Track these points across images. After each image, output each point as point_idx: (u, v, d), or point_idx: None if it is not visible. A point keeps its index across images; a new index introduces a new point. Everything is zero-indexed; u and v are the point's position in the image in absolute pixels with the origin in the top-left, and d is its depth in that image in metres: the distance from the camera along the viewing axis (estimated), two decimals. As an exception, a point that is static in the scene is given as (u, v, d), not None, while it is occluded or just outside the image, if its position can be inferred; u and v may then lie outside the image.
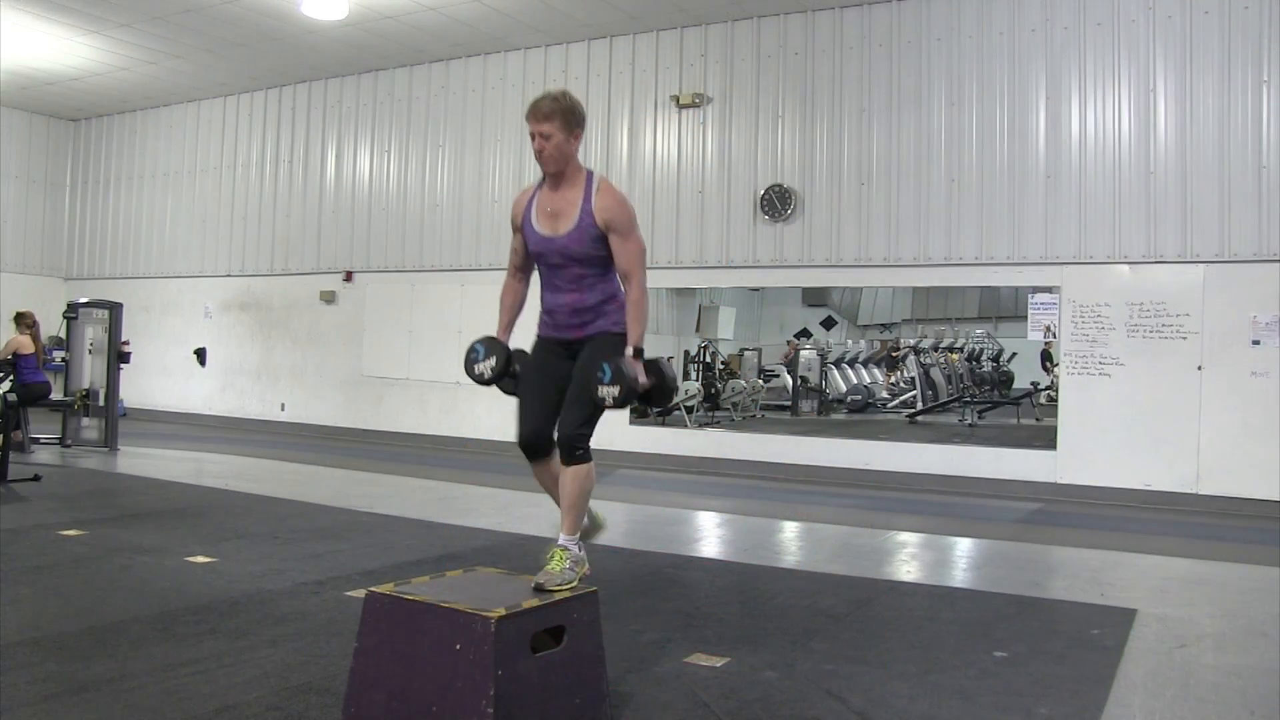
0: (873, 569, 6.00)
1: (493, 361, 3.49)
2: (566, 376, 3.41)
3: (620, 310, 3.41)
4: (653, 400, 3.37)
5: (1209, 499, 8.64)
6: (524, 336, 3.69)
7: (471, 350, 3.54)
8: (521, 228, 3.48)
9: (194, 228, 15.37)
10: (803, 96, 10.67)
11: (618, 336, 3.37)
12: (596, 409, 3.34)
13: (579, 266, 3.37)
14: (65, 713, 3.14)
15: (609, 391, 3.21)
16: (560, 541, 3.31)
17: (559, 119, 3.35)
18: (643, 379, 3.27)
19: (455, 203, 12.80)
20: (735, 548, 6.78)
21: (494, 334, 3.60)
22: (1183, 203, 8.90)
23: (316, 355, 13.97)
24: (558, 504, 3.45)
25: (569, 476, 3.33)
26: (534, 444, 3.44)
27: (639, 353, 3.31)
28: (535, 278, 3.66)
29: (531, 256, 3.47)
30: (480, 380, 3.53)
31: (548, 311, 3.48)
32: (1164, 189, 8.98)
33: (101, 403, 10.87)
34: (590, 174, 3.43)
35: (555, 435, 3.38)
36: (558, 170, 3.38)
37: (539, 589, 3.12)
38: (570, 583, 3.17)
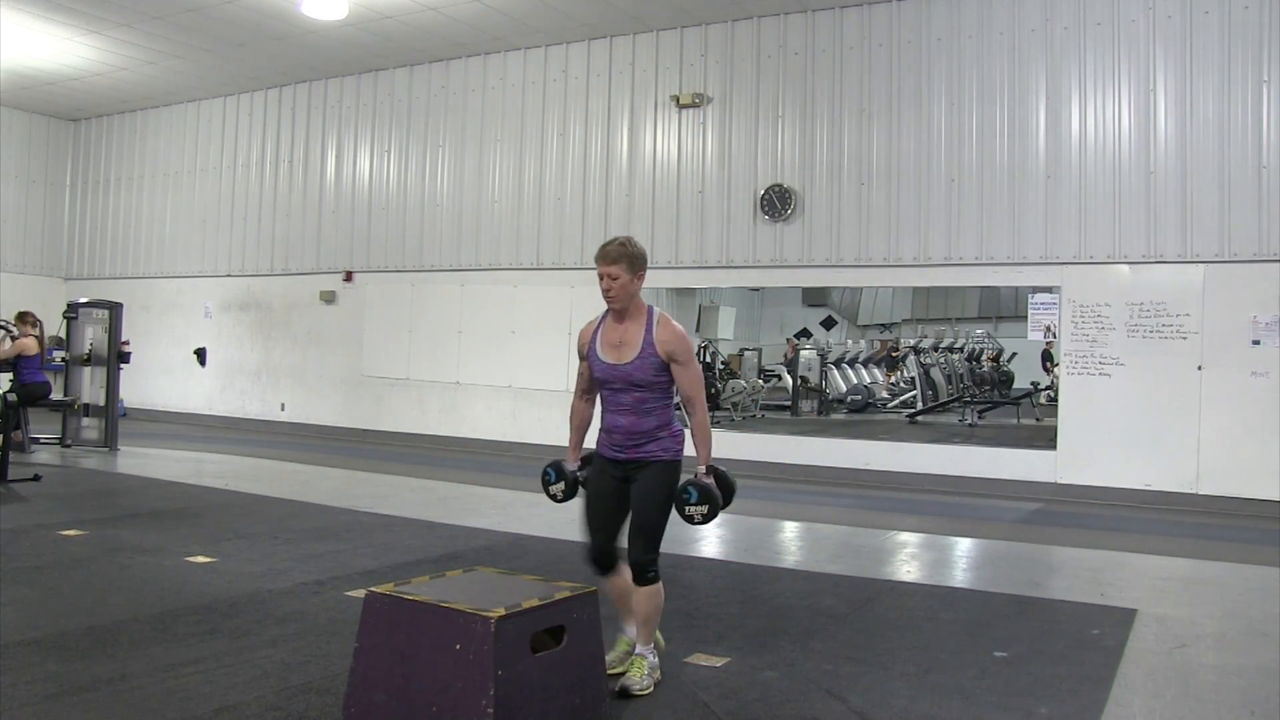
0: (873, 569, 6.00)
1: (563, 485, 3.88)
2: (623, 494, 3.75)
3: (671, 439, 3.71)
4: (724, 506, 3.69)
5: (1209, 499, 8.64)
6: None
7: (545, 474, 3.92)
8: (588, 356, 3.79)
9: (194, 228, 15.37)
10: (803, 96, 10.67)
11: (669, 465, 3.69)
12: (658, 531, 3.68)
13: (639, 391, 3.67)
14: (65, 713, 3.14)
15: (698, 511, 3.59)
16: (638, 651, 3.68)
17: (625, 262, 3.64)
18: (718, 494, 3.63)
19: (455, 203, 12.80)
20: (735, 548, 6.77)
21: (564, 457, 3.92)
22: (1183, 203, 8.90)
23: (316, 355, 13.98)
24: (617, 608, 3.86)
25: (643, 596, 3.66)
26: (602, 560, 3.79)
27: (711, 470, 3.65)
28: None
29: (596, 383, 3.80)
30: (555, 499, 3.90)
31: (607, 431, 3.79)
32: (1164, 189, 8.98)
33: (102, 402, 10.87)
34: (651, 309, 3.75)
35: (628, 559, 3.70)
36: (623, 307, 3.70)
37: (623, 692, 3.49)
38: (648, 689, 3.58)
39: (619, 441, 3.71)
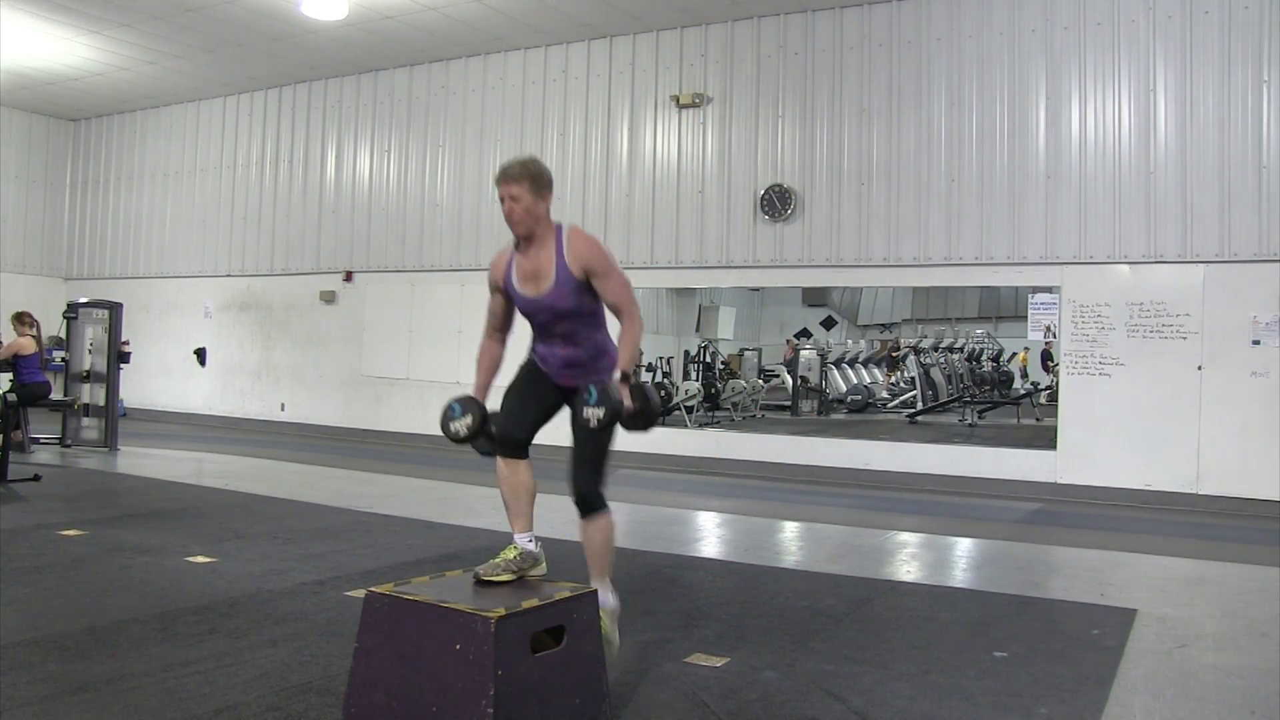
0: (873, 569, 6.00)
1: (469, 420, 3.49)
2: (552, 395, 3.53)
3: (611, 366, 3.46)
4: (636, 424, 3.36)
5: (1209, 499, 8.64)
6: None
7: (448, 408, 3.53)
8: (505, 290, 3.56)
9: (194, 228, 15.37)
10: (803, 96, 10.67)
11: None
12: (603, 456, 3.45)
13: (568, 321, 3.46)
14: (65, 713, 3.14)
15: (594, 413, 3.24)
16: (602, 602, 3.36)
17: (528, 181, 3.39)
18: (628, 403, 3.28)
19: (455, 203, 12.80)
20: (735, 548, 6.77)
21: (470, 393, 3.60)
22: (1183, 203, 8.90)
23: (316, 355, 13.98)
24: (508, 505, 3.49)
25: (592, 530, 3.49)
26: (512, 441, 3.46)
27: (626, 377, 3.32)
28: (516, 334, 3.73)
29: (522, 316, 3.56)
30: (455, 439, 3.52)
31: (541, 358, 3.57)
32: (1164, 189, 8.98)
33: (101, 402, 10.87)
34: (559, 227, 3.48)
35: (572, 491, 3.46)
36: (528, 232, 3.44)
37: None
38: (616, 641, 3.49)
39: (554, 370, 3.51)
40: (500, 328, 3.69)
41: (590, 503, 3.47)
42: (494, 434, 3.53)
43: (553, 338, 3.51)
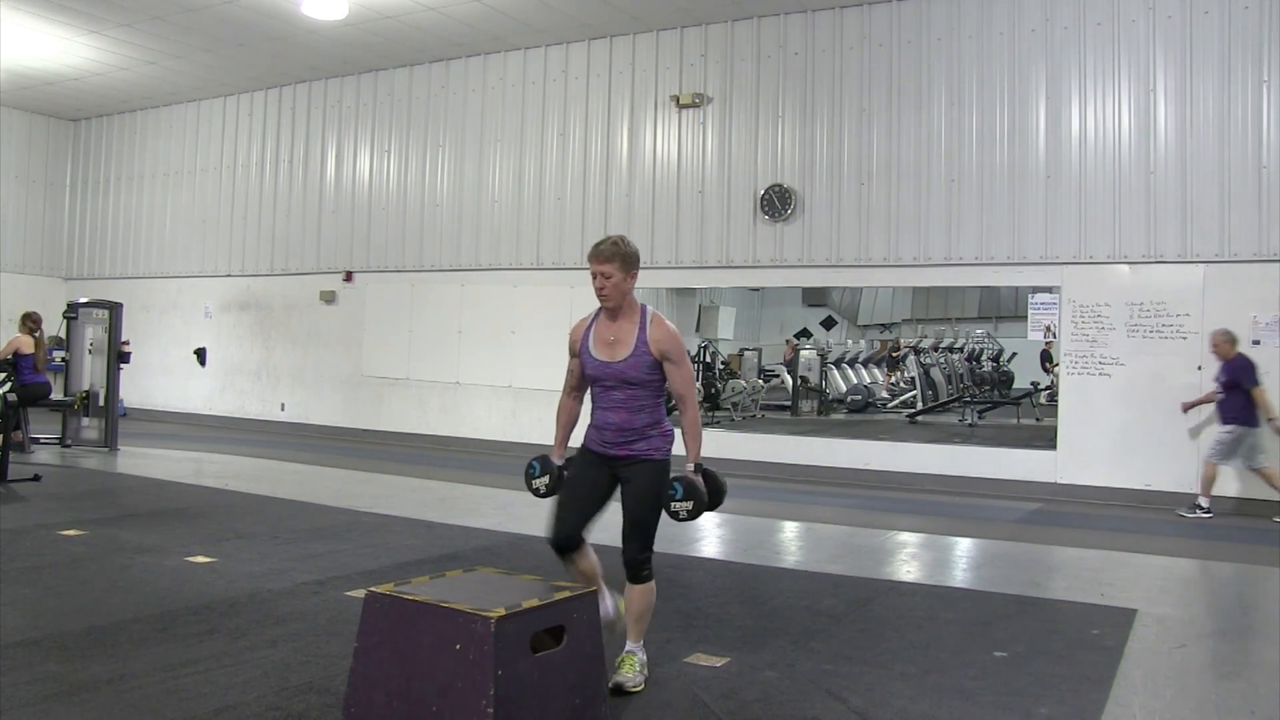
0: (873, 569, 6.00)
1: (547, 479, 3.80)
2: (604, 485, 3.75)
3: (662, 438, 3.73)
4: (711, 506, 3.66)
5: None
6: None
7: (530, 467, 3.85)
8: (580, 354, 3.78)
9: (194, 228, 15.37)
10: (803, 96, 10.67)
11: (660, 464, 3.70)
12: (652, 529, 3.68)
13: (632, 389, 3.68)
14: (65, 713, 3.14)
15: (683, 507, 3.55)
16: (629, 648, 3.67)
17: (619, 261, 3.65)
18: (705, 492, 3.60)
19: (455, 203, 12.80)
20: (735, 548, 6.77)
21: (549, 452, 3.88)
22: (1183, 203, 8.90)
23: (316, 355, 13.97)
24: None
25: (637, 594, 3.68)
26: (567, 545, 3.71)
27: (699, 468, 3.63)
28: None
29: (588, 380, 3.80)
30: (537, 494, 3.84)
31: (597, 428, 3.78)
32: (1164, 189, 8.98)
33: (101, 403, 10.87)
34: (644, 307, 3.75)
35: (623, 558, 3.68)
36: (616, 306, 3.70)
37: (617, 689, 3.51)
38: (640, 686, 3.60)
39: (609, 439, 3.71)
40: (577, 386, 3.88)
41: (639, 570, 3.66)
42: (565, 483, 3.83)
43: (613, 405, 3.71)
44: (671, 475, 3.65)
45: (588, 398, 3.84)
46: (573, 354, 3.82)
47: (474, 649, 2.84)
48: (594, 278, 3.67)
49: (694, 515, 3.58)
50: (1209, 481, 8.31)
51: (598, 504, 3.74)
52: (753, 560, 6.14)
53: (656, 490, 3.61)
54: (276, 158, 14.48)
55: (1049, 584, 5.84)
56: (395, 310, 13.21)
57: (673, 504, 3.57)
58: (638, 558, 3.64)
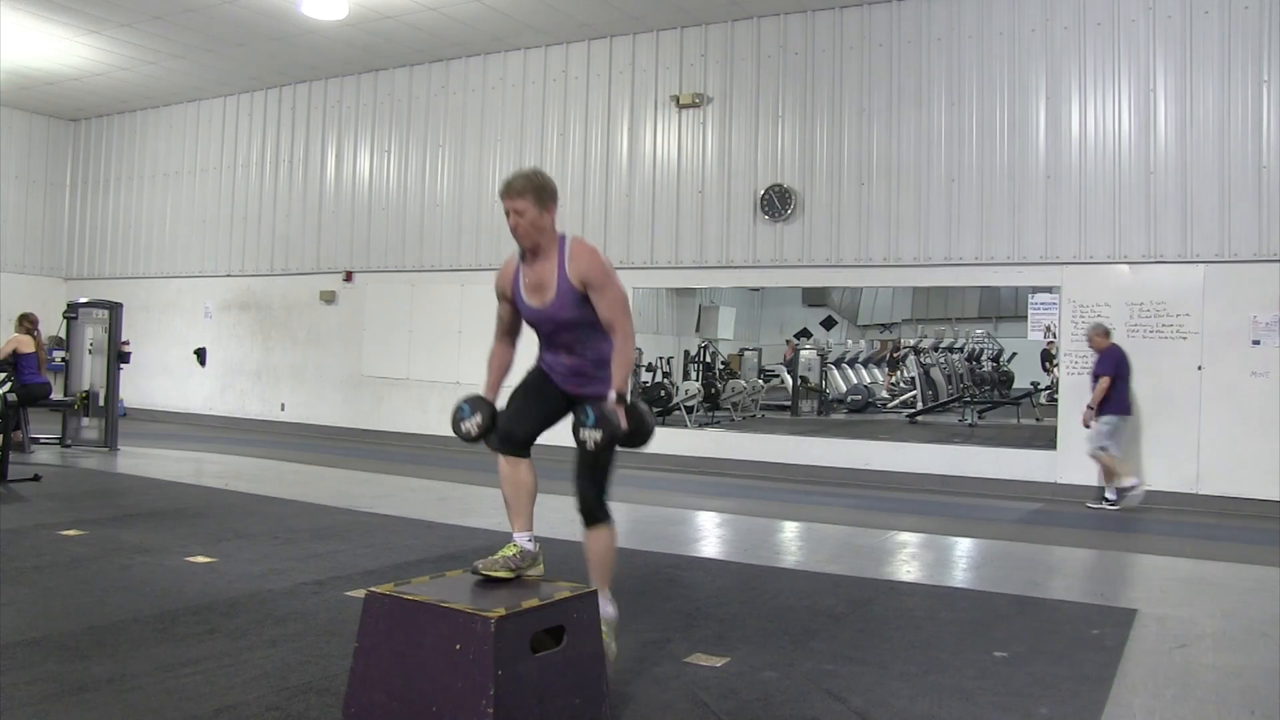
0: (873, 569, 6.00)
1: (478, 419, 3.54)
2: (556, 402, 3.56)
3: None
4: (631, 444, 3.45)
5: (1209, 499, 8.64)
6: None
7: (458, 408, 3.59)
8: (512, 299, 3.59)
9: (194, 228, 15.37)
10: (803, 96, 10.67)
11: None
12: (607, 470, 3.52)
13: (571, 332, 3.50)
14: (65, 713, 3.14)
15: (591, 435, 3.30)
16: (601, 611, 3.37)
17: (531, 195, 3.42)
18: (624, 424, 3.35)
19: (455, 203, 12.80)
20: (735, 548, 6.77)
21: (480, 393, 3.65)
22: (1183, 203, 8.90)
23: (316, 355, 13.98)
24: (508, 502, 3.52)
25: (594, 539, 3.55)
26: (516, 437, 3.49)
27: (621, 398, 3.39)
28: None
29: (528, 325, 3.60)
30: (466, 438, 3.58)
31: (547, 366, 3.62)
32: (1164, 189, 8.98)
33: (101, 403, 10.86)
34: (563, 238, 3.51)
35: (576, 500, 3.53)
36: (533, 245, 3.48)
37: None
38: (612, 650, 3.45)
39: (559, 379, 3.56)
40: (509, 332, 3.71)
41: (593, 513, 3.52)
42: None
43: (557, 347, 3.56)
44: (584, 400, 3.43)
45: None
46: (502, 298, 3.61)
47: (474, 649, 2.84)
48: (507, 215, 3.45)
49: (603, 447, 3.32)
50: (1110, 471, 8.59)
51: (549, 414, 3.53)
52: (753, 560, 6.14)
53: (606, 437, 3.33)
54: (276, 158, 14.48)
55: (1049, 584, 5.83)
56: (395, 310, 13.21)
57: (582, 430, 3.30)
58: (592, 500, 3.50)
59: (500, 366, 3.72)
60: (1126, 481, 8.53)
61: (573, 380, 3.57)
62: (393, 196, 13.32)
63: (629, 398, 3.43)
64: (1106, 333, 8.76)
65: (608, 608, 3.51)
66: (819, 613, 4.78)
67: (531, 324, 3.58)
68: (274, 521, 6.79)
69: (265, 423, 14.23)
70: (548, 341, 3.58)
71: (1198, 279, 8.83)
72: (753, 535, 7.22)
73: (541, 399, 3.57)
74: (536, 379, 3.63)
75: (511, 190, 3.44)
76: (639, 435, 3.45)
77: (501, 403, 3.63)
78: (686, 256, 11.19)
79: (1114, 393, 8.52)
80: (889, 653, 4.12)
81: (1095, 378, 8.63)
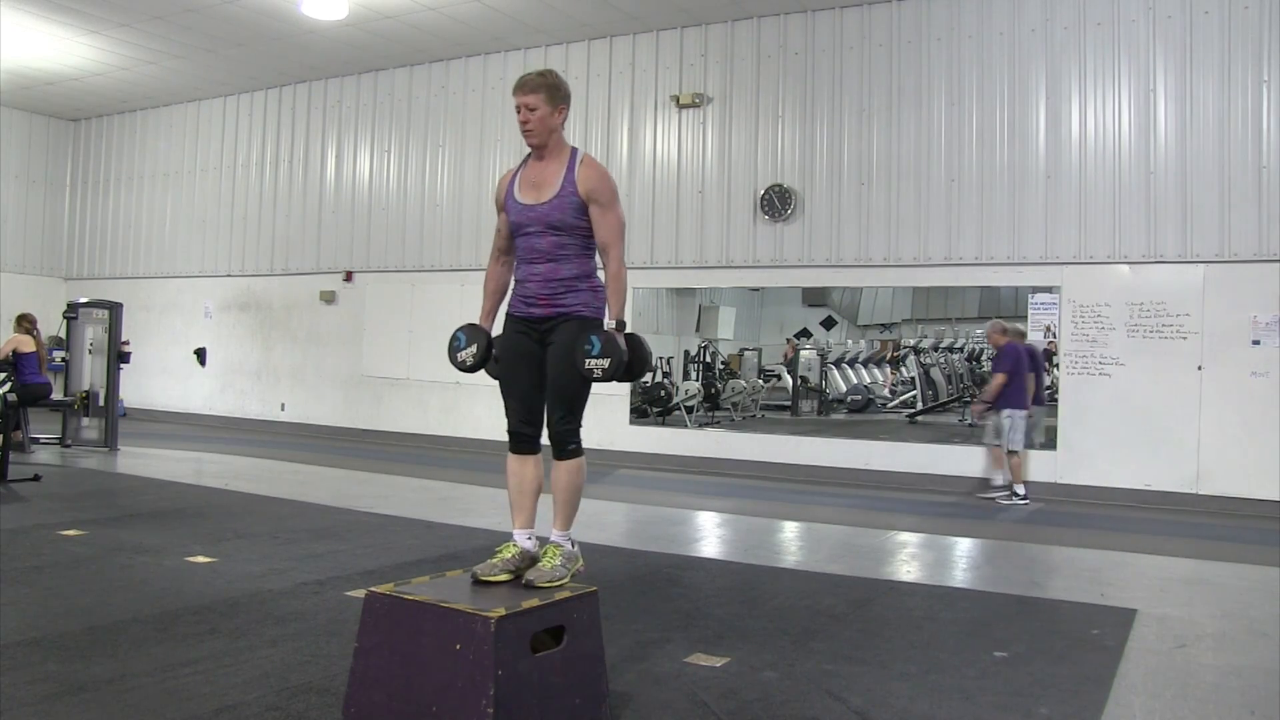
0: (873, 569, 6.00)
1: (474, 349, 3.53)
2: (539, 359, 3.45)
3: (592, 293, 3.44)
4: (632, 373, 3.39)
5: (1209, 499, 8.64)
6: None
7: (454, 338, 3.58)
8: (504, 202, 3.51)
9: (194, 228, 15.37)
10: (803, 96, 10.67)
11: (588, 321, 3.38)
12: (579, 397, 3.40)
13: (558, 235, 3.40)
14: (65, 713, 3.14)
15: (598, 364, 3.25)
16: (553, 538, 3.38)
17: (544, 92, 3.38)
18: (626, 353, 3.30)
19: (455, 203, 12.81)
20: (735, 548, 6.77)
21: (476, 321, 3.62)
22: (1183, 203, 8.90)
23: (316, 355, 13.98)
24: (512, 501, 3.50)
25: (563, 471, 3.40)
26: (524, 431, 3.46)
27: (621, 325, 3.35)
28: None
29: (513, 229, 3.50)
30: (463, 367, 3.56)
31: (520, 282, 3.51)
32: (1164, 189, 8.98)
33: (101, 403, 10.86)
34: (575, 150, 3.47)
35: (548, 429, 3.41)
36: (541, 143, 3.43)
37: (529, 585, 3.19)
38: (562, 580, 3.25)
39: (533, 292, 3.43)
40: (505, 249, 3.63)
41: (565, 441, 3.38)
42: (499, 358, 3.53)
43: (538, 253, 3.42)
44: (590, 331, 3.33)
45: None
46: (500, 207, 3.54)
47: (474, 649, 2.84)
48: (518, 111, 3.40)
49: (609, 376, 3.26)
50: (1017, 469, 8.87)
51: (542, 380, 3.43)
52: (753, 560, 6.14)
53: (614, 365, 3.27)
54: (276, 158, 14.48)
55: (1049, 584, 5.84)
56: (395, 310, 13.21)
57: (587, 361, 3.25)
58: (563, 428, 3.37)
59: (496, 290, 3.67)
60: (1018, 488, 8.84)
61: (545, 291, 3.41)
62: (392, 196, 13.32)
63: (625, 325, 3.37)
64: (1004, 330, 9.12)
65: (566, 544, 3.37)
66: (819, 613, 4.78)
67: (517, 226, 3.46)
68: (274, 521, 6.79)
69: (265, 423, 14.23)
70: (528, 247, 3.45)
71: (1198, 279, 8.83)
72: (753, 535, 7.22)
73: (526, 367, 3.45)
74: (510, 347, 3.50)
75: (525, 86, 3.41)
76: (638, 364, 3.39)
77: (497, 330, 3.57)
78: (686, 256, 11.19)
79: (1012, 388, 8.80)
80: (889, 653, 4.12)
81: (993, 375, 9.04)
